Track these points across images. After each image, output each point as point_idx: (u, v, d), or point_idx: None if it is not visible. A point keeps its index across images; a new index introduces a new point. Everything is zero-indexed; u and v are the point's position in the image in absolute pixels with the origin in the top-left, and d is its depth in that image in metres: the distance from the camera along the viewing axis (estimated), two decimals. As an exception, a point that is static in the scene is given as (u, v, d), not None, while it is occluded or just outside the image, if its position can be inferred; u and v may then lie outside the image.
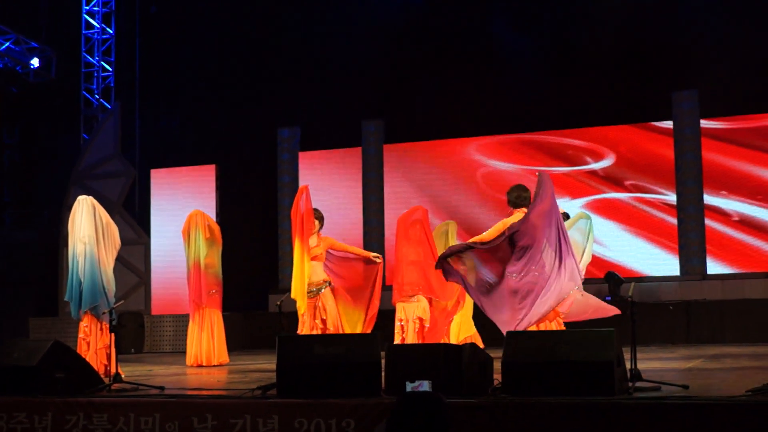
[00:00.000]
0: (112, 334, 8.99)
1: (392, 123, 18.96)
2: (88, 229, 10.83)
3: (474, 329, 12.17)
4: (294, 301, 11.48)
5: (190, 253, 13.32)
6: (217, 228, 13.61)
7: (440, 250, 10.50)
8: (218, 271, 13.45)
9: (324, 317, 11.20)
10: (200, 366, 12.82)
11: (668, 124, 17.15)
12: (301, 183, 18.51)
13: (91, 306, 10.72)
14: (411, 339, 11.11)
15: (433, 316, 11.40)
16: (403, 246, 11.42)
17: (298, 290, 11.02)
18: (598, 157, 17.57)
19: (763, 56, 16.34)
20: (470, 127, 18.30)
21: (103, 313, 10.52)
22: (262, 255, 19.26)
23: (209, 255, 13.33)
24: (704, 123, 16.85)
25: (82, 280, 10.74)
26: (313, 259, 11.23)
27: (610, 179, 17.45)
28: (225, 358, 13.20)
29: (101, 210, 11.11)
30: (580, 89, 17.25)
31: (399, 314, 11.31)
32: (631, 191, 17.24)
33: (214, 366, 12.80)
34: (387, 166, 18.91)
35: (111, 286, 10.88)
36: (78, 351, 10.39)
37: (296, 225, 11.25)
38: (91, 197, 11.18)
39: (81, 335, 10.83)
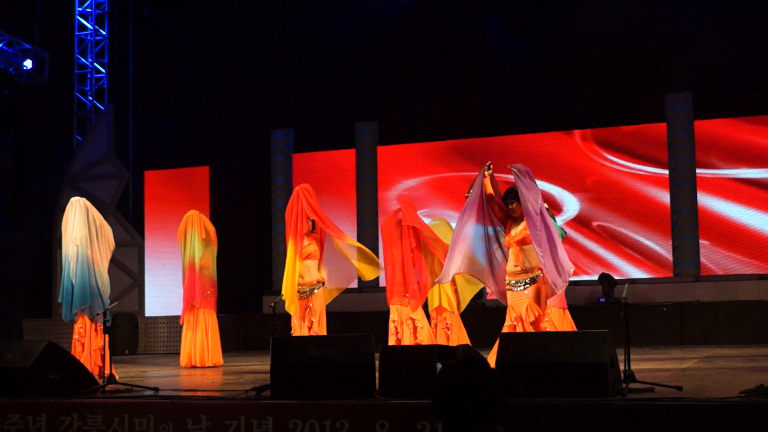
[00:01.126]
0: (106, 336, 8.98)
1: (386, 125, 18.95)
2: (80, 230, 10.82)
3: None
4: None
5: (186, 254, 13.31)
6: (212, 229, 13.60)
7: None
8: (213, 272, 13.44)
9: (312, 319, 11.20)
10: (194, 367, 12.80)
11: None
12: (295, 185, 18.52)
13: (81, 307, 10.71)
14: (407, 340, 11.14)
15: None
16: (391, 248, 11.48)
17: (288, 291, 11.03)
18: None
19: (756, 59, 16.38)
20: (463, 129, 18.31)
21: (97, 314, 10.51)
22: (256, 256, 19.25)
23: (204, 256, 13.33)
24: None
25: (74, 281, 10.73)
26: (307, 258, 11.25)
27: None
28: (219, 359, 13.19)
29: (94, 211, 11.10)
30: (573, 92, 17.28)
31: (392, 315, 11.36)
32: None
33: (208, 367, 12.79)
34: (381, 168, 18.91)
35: (106, 288, 10.87)
36: (72, 352, 10.38)
37: (290, 225, 11.29)
38: (83, 198, 11.17)
39: (75, 336, 10.82)
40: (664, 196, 17.00)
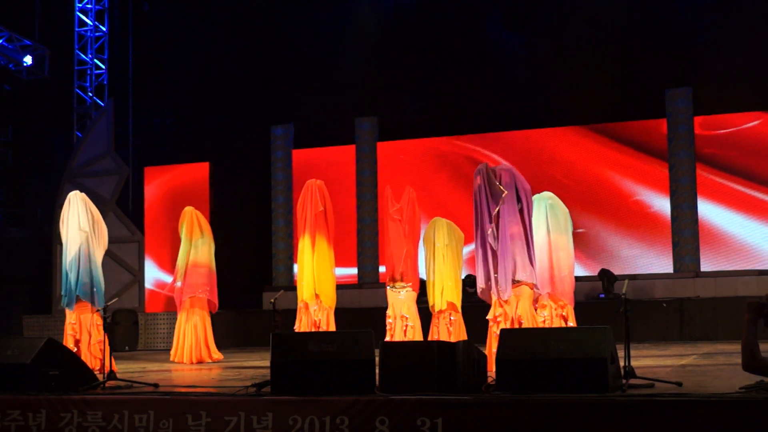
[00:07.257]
0: (106, 333, 8.98)
1: (386, 121, 18.93)
2: (84, 222, 10.90)
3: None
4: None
5: (188, 250, 13.30)
6: (208, 227, 13.60)
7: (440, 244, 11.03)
8: (211, 269, 13.45)
9: (321, 317, 11.25)
10: (201, 362, 12.86)
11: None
12: (295, 180, 18.50)
13: (84, 298, 10.76)
14: (399, 336, 11.19)
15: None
16: (409, 230, 11.61)
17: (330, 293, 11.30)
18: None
19: (756, 54, 16.37)
20: (463, 125, 18.30)
21: (97, 310, 10.53)
22: (256, 252, 19.24)
23: (201, 253, 13.34)
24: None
25: (78, 272, 10.78)
26: None
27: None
28: (218, 354, 13.21)
29: (92, 206, 11.22)
30: (573, 88, 17.26)
31: (388, 311, 11.43)
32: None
33: (210, 363, 12.82)
34: (380, 164, 18.89)
35: (102, 284, 10.95)
36: (64, 343, 10.43)
37: (319, 221, 11.48)
38: (82, 193, 11.26)
39: (69, 332, 10.88)
40: (664, 192, 16.99)
